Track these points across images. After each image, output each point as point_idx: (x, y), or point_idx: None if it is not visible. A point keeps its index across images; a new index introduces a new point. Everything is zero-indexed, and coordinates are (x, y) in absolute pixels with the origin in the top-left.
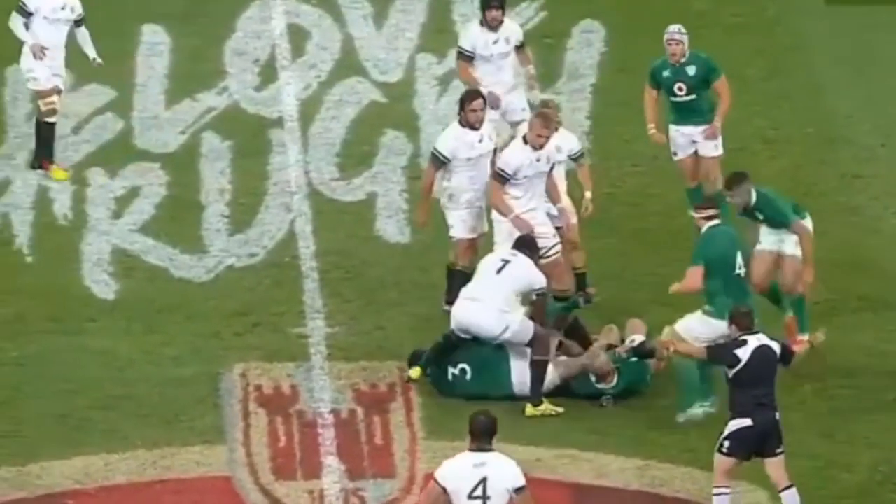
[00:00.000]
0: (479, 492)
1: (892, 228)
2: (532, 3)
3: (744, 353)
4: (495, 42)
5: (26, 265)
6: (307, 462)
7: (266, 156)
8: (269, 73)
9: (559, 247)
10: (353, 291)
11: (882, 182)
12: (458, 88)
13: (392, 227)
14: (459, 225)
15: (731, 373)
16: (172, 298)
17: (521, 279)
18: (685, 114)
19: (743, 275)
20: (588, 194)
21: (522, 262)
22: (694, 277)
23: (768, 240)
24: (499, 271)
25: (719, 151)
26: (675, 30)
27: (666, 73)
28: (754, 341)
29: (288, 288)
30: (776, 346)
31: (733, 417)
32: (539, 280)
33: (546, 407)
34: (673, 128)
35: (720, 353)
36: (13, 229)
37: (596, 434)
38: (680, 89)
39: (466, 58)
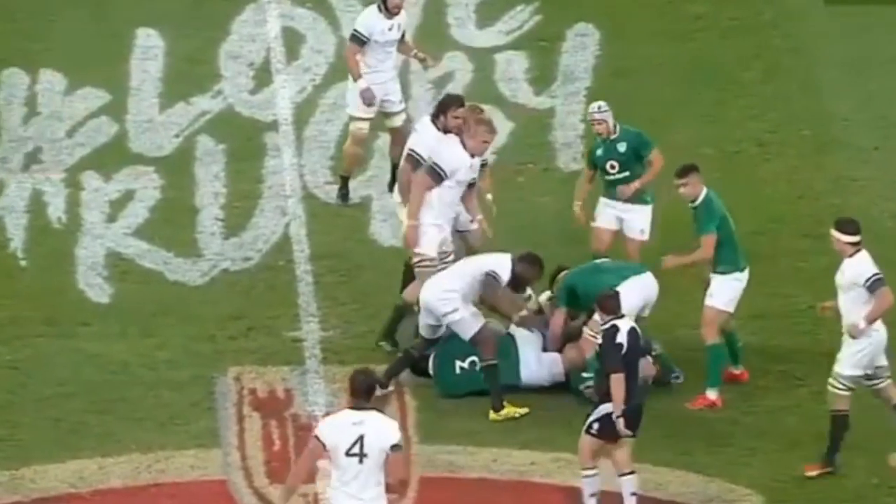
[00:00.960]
0: (356, 449)
1: (887, 232)
2: (527, 6)
3: (622, 338)
4: (390, 29)
5: (21, 269)
6: None
7: (260, 159)
8: (263, 76)
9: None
10: (347, 295)
11: (877, 185)
12: (453, 91)
13: (386, 231)
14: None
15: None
16: (167, 302)
17: (485, 265)
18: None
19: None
20: (489, 196)
21: (499, 259)
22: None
23: None
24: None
25: (644, 237)
26: (594, 108)
27: (599, 152)
28: (625, 325)
29: (282, 291)
30: (639, 331)
31: (603, 401)
32: (501, 266)
33: (508, 410)
34: (603, 199)
35: (609, 348)
36: (7, 233)
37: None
38: (612, 167)
39: (360, 41)
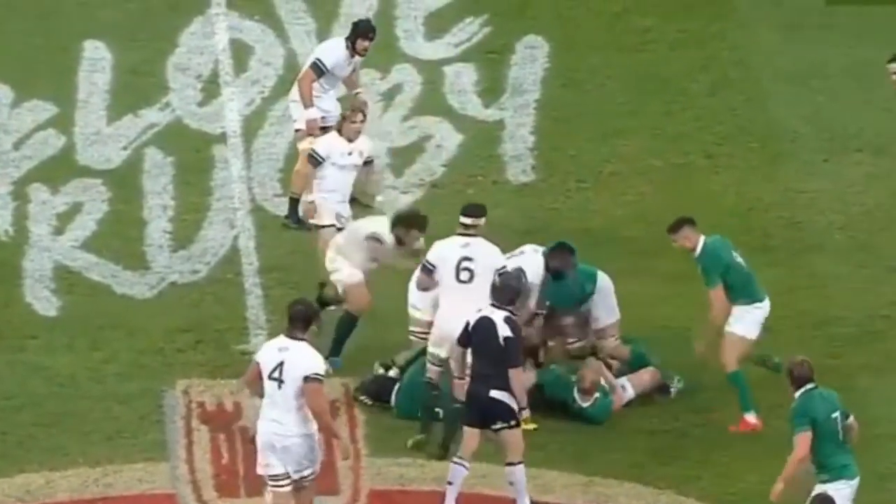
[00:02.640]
0: (276, 374)
1: (836, 244)
2: (476, 18)
3: (472, 319)
4: (348, 64)
5: None
6: (250, 479)
7: (209, 172)
8: (211, 88)
9: None
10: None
11: (826, 197)
12: (401, 105)
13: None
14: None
15: (465, 336)
16: (115, 315)
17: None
18: None
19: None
20: (379, 198)
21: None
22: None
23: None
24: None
25: None
26: None
27: None
28: (487, 312)
29: (231, 304)
30: (501, 329)
31: None
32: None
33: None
34: None
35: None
36: None
37: (541, 450)
38: None
39: (320, 71)
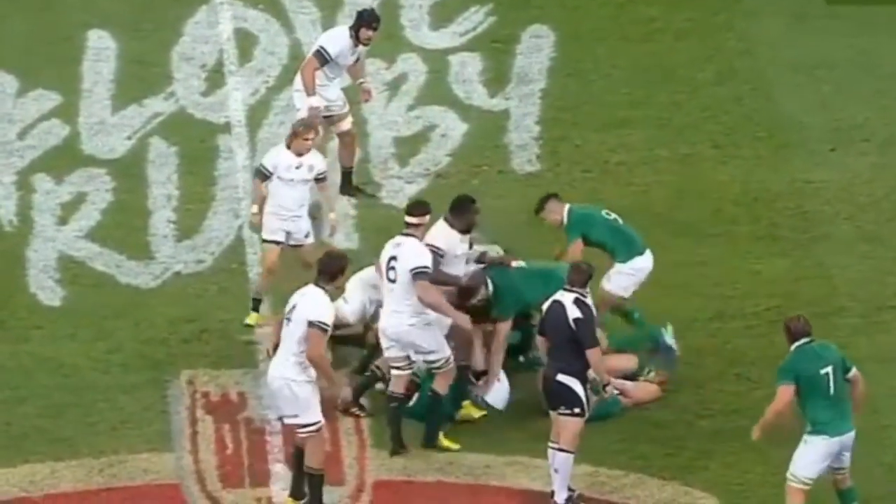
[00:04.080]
0: (289, 314)
1: (842, 233)
2: (481, 7)
3: (545, 305)
4: (353, 54)
5: None
6: (255, 469)
7: (213, 161)
8: (216, 78)
9: None
10: None
11: (833, 187)
12: (406, 94)
13: (339, 233)
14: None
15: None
16: (119, 305)
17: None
18: None
19: None
20: (332, 215)
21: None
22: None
23: None
24: None
25: None
26: None
27: None
28: (557, 295)
29: (236, 294)
30: (570, 311)
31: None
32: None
33: (465, 411)
34: None
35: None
36: None
37: (546, 441)
38: None
39: (324, 59)
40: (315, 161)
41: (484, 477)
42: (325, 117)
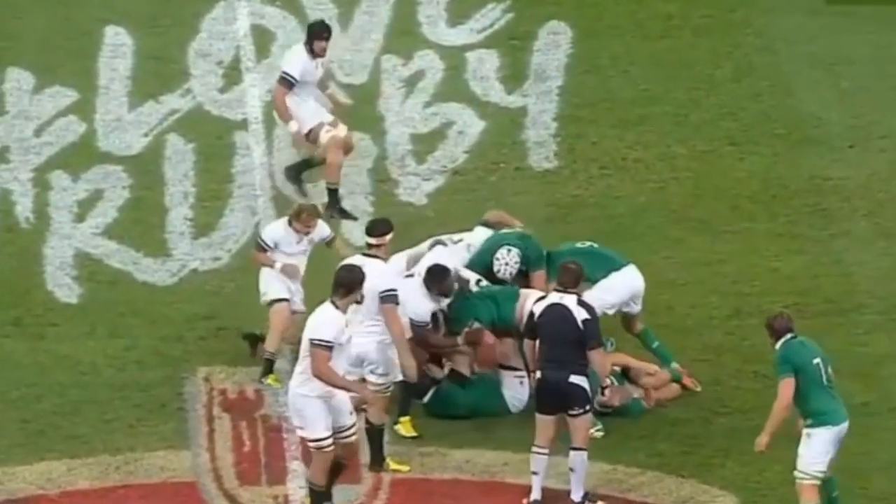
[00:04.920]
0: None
1: (861, 230)
2: (498, 4)
3: (538, 308)
4: (317, 68)
5: None
6: (272, 467)
7: (230, 158)
8: (233, 74)
9: None
10: (317, 294)
11: (851, 183)
12: (423, 91)
13: (358, 231)
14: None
15: (530, 326)
16: (136, 302)
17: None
18: None
19: None
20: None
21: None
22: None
23: None
24: None
25: None
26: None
27: None
28: (554, 298)
29: (252, 291)
30: (577, 312)
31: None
32: None
33: (402, 427)
34: None
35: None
36: None
37: (563, 438)
38: None
39: (289, 83)
40: (316, 233)
41: (500, 475)
42: (308, 135)
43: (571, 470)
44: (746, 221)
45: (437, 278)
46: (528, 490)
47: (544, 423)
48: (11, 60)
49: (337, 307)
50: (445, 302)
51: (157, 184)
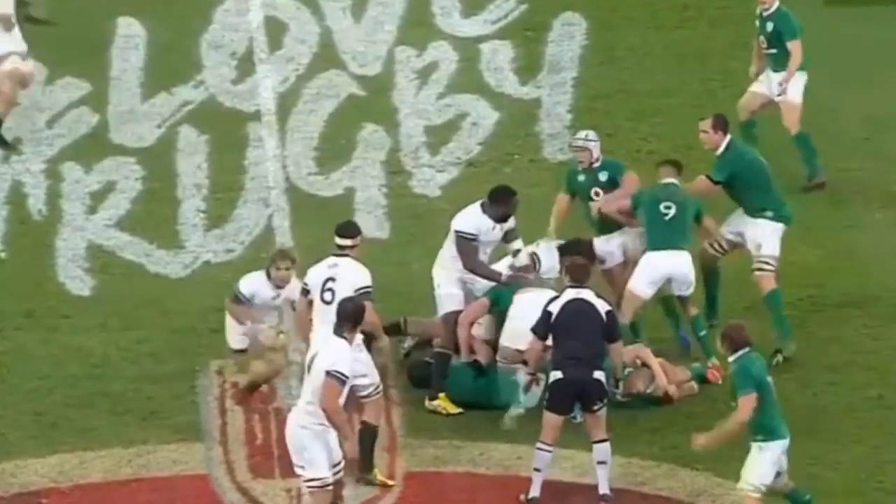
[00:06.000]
0: (310, 363)
1: (876, 223)
2: None
3: (555, 307)
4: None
5: (0, 261)
6: (285, 460)
7: (243, 150)
8: (246, 66)
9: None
10: None
11: (866, 175)
12: (437, 82)
13: (371, 222)
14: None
15: (545, 327)
16: (148, 294)
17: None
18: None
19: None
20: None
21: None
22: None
23: None
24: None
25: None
26: (581, 136)
27: (581, 178)
28: (572, 294)
29: None
30: (599, 305)
31: (550, 370)
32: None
33: (441, 402)
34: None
35: (540, 318)
36: None
37: (577, 432)
38: (596, 194)
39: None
40: (290, 291)
41: (514, 468)
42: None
43: (602, 463)
44: None
45: (499, 196)
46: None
47: (555, 422)
48: None
49: (347, 340)
50: (499, 227)
51: (169, 175)
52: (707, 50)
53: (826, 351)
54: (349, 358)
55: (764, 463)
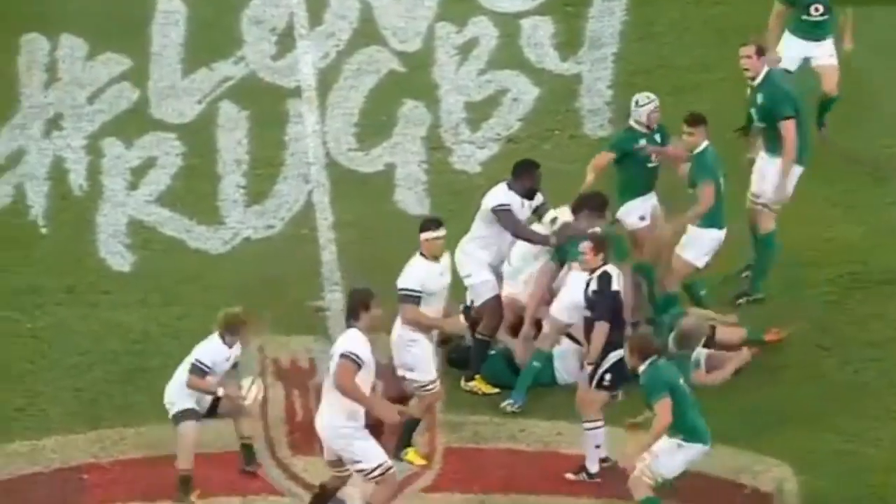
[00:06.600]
0: (329, 363)
1: None
2: None
3: (617, 285)
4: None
5: (41, 236)
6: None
7: (283, 126)
8: (286, 41)
9: None
10: (371, 263)
11: None
12: (477, 58)
13: (411, 199)
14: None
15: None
16: (189, 270)
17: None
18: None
19: None
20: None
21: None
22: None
23: None
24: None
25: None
26: (653, 98)
27: (642, 141)
28: (615, 271)
29: (305, 260)
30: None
31: (611, 351)
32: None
33: (477, 384)
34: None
35: (603, 302)
36: (28, 200)
37: (616, 408)
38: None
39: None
40: (237, 350)
41: (554, 444)
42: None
43: (597, 447)
44: (802, 189)
45: (523, 170)
46: (581, 461)
47: (604, 398)
48: (65, 27)
49: (360, 330)
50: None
51: (209, 151)
52: (746, 25)
53: (868, 327)
54: (362, 343)
55: (677, 460)
